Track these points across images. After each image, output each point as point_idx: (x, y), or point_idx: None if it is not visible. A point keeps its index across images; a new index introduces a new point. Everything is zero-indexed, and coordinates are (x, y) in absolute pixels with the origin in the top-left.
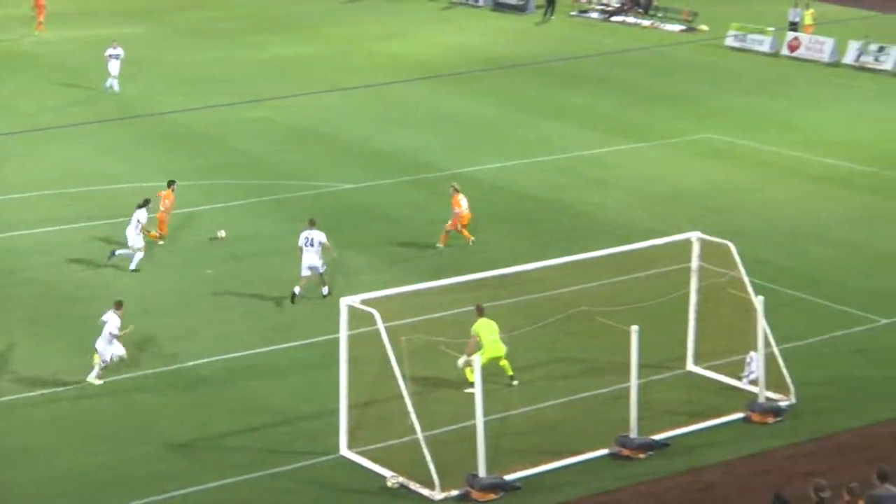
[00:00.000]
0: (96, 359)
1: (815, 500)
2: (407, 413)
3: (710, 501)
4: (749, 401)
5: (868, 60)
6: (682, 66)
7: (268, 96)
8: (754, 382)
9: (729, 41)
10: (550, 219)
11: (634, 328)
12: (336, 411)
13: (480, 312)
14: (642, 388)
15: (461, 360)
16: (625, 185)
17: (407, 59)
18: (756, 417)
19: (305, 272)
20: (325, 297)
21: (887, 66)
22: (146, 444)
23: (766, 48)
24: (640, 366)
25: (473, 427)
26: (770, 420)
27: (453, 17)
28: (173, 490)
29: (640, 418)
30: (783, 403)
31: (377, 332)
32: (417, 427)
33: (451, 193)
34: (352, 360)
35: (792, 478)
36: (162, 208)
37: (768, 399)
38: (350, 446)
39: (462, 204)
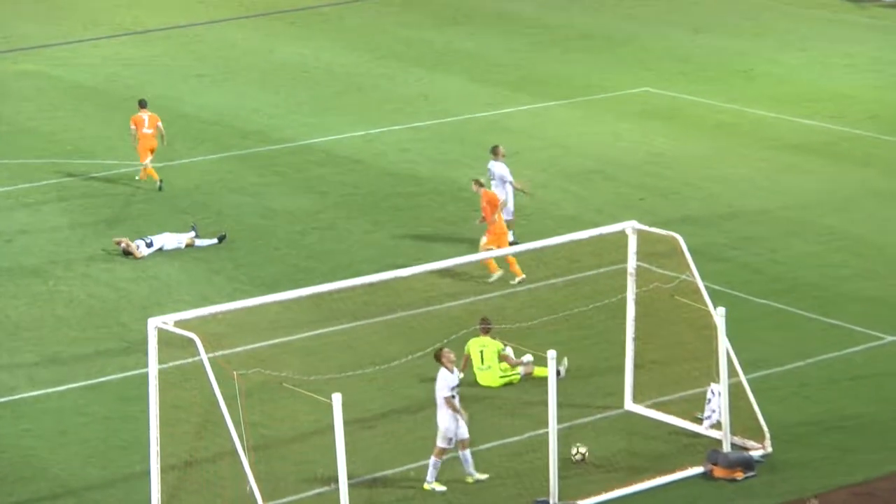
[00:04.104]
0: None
1: None
2: (244, 476)
3: None
4: (710, 450)
5: None
6: None
7: (39, 43)
8: (716, 426)
9: None
10: (433, 205)
11: (551, 354)
12: (143, 476)
13: (485, 330)
14: (565, 436)
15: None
16: (534, 157)
17: None
18: (720, 472)
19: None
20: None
21: None
22: None
23: None
24: (561, 405)
25: (334, 494)
26: (739, 476)
27: None
28: None
29: (563, 477)
30: (756, 453)
31: (199, 365)
32: (258, 495)
33: (475, 191)
34: (165, 404)
35: None
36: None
37: (736, 447)
38: None
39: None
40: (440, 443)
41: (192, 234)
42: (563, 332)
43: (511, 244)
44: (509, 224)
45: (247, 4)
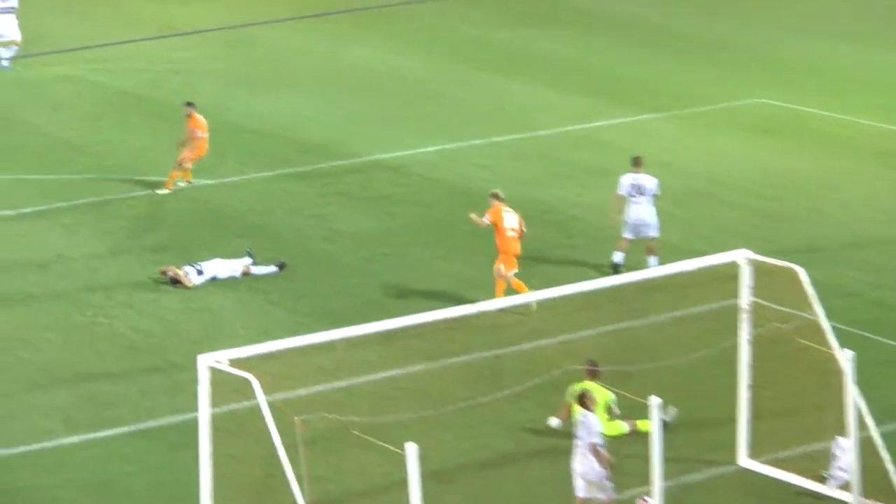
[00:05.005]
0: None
1: None
2: None
3: None
4: None
5: None
6: None
7: (77, 44)
8: (844, 486)
9: None
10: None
11: (655, 401)
12: None
13: (592, 374)
14: (670, 495)
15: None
16: None
17: None
18: None
19: (627, 234)
20: (617, 267)
21: None
22: None
23: None
24: (667, 460)
25: None
26: None
27: None
28: None
29: None
30: None
31: (256, 409)
32: None
33: (490, 204)
34: (218, 453)
35: None
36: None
37: None
38: None
39: (509, 221)
40: (605, 495)
41: (248, 260)
42: (668, 376)
43: (617, 267)
44: (653, 245)
45: (306, 2)
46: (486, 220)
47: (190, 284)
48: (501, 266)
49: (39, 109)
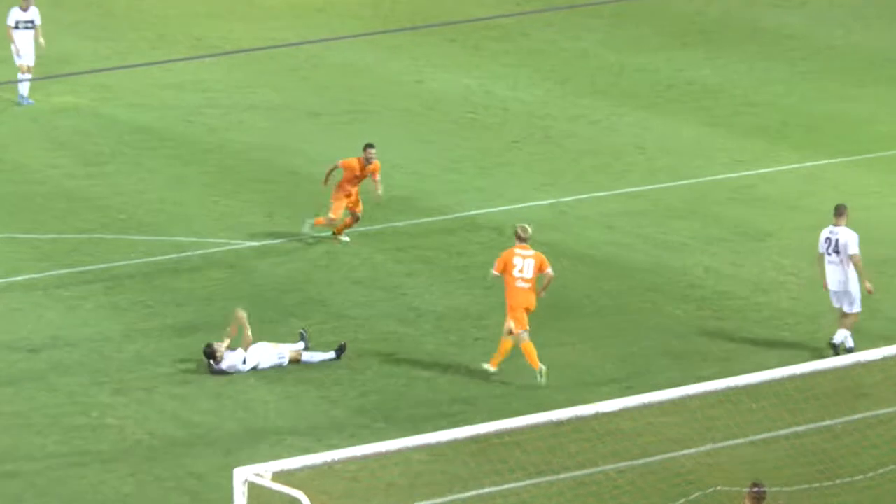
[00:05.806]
0: None
1: None
2: None
3: None
4: None
5: None
6: None
7: (86, 66)
8: None
9: None
10: (652, 308)
11: None
12: None
13: (757, 499)
14: None
15: None
16: (800, 238)
17: None
18: None
19: (833, 300)
20: (836, 347)
21: None
22: None
23: None
24: None
25: None
26: None
27: None
28: None
29: None
30: None
31: None
32: None
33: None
34: None
35: None
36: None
37: None
38: None
39: (521, 267)
40: None
41: (301, 345)
42: (842, 496)
43: (847, 350)
44: (849, 319)
45: (385, 14)
46: (492, 273)
47: (217, 362)
48: (511, 323)
49: (36, 149)
